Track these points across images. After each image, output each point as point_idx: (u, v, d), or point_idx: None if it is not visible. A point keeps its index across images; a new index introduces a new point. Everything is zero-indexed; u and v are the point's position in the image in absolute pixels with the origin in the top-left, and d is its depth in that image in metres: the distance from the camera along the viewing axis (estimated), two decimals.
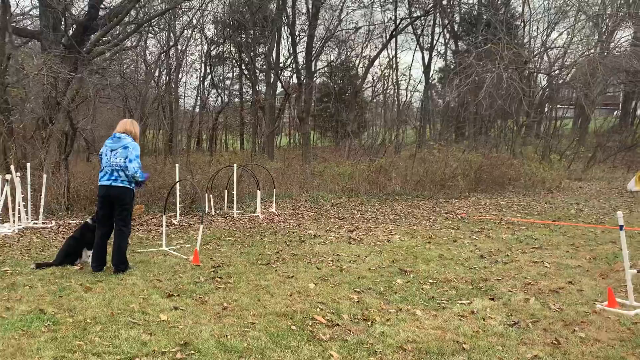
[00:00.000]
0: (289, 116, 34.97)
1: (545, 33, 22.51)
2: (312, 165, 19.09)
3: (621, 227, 5.11)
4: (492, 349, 3.96)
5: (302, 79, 24.11)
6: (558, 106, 24.16)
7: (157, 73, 25.05)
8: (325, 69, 30.50)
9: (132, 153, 5.94)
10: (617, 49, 20.21)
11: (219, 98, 32.51)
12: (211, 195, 11.65)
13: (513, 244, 8.04)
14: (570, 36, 19.47)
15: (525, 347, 3.99)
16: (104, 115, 23.17)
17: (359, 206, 12.66)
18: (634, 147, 21.97)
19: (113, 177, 6.00)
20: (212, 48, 29.22)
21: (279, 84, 27.02)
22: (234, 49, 30.37)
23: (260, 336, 4.18)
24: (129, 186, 6.05)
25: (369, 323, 4.52)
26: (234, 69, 32.64)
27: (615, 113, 32.07)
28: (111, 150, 6.03)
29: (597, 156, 20.71)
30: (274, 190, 12.53)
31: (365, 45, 29.52)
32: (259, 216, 10.91)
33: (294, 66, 25.36)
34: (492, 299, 5.20)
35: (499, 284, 5.78)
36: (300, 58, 24.92)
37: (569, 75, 19.56)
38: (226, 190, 12.09)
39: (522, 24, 21.92)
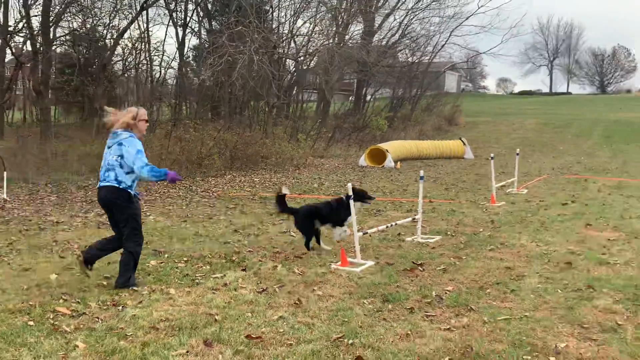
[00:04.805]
0: (24, 88, 30.57)
1: (292, 20, 24.12)
2: (54, 144, 17.13)
3: (349, 197, 5.91)
4: (243, 316, 4.21)
5: (38, 46, 21.23)
6: (304, 90, 26.29)
7: None
8: (68, 37, 27.40)
9: (131, 152, 4.87)
10: (350, 41, 22.88)
11: None
12: None
13: (265, 217, 8.58)
14: (312, 25, 21.27)
15: (272, 310, 4.35)
16: None
17: None
18: (364, 128, 25.28)
19: (102, 178, 5.01)
20: None
21: (8, 51, 23.28)
22: None
23: None
24: (118, 186, 4.93)
25: (120, 308, 4.36)
26: None
27: (350, 98, 36.38)
28: (108, 148, 5.06)
29: (335, 136, 23.25)
30: (4, 173, 10.89)
31: (113, 15, 27.43)
32: None
33: (27, 31, 22.15)
34: (244, 270, 5.50)
35: (251, 255, 6.14)
36: (36, 22, 21.91)
37: (313, 62, 21.44)
38: None
39: (271, 9, 23.10)
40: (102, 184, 5.01)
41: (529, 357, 3.52)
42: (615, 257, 5.98)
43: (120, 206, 4.99)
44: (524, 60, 79.72)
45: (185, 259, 5.97)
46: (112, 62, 28.37)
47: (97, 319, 4.09)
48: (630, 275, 5.30)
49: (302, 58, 21.21)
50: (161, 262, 5.80)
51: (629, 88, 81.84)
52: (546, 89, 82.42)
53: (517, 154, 11.90)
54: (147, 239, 6.93)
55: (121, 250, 5.10)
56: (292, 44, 22.61)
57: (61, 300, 4.50)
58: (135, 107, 5.21)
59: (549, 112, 38.47)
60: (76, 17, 26.72)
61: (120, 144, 4.96)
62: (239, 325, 4.01)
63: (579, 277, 5.23)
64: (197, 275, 5.34)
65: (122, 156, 4.91)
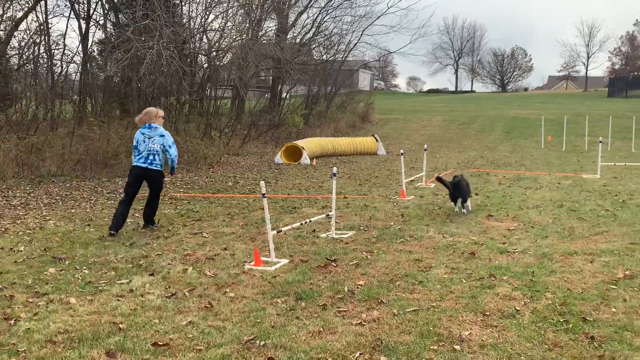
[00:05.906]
0: None
1: (203, 15, 23.53)
2: None
3: (263, 195, 5.84)
4: (149, 323, 4.03)
5: None
6: (218, 86, 25.75)
7: None
8: None
9: (168, 140, 7.06)
10: (264, 37, 22.69)
11: None
12: None
13: (175, 218, 8.30)
14: (224, 21, 20.85)
15: (181, 316, 4.20)
16: None
17: (4, 191, 10.98)
18: (280, 126, 25.23)
19: (149, 161, 6.99)
20: None
21: None
22: None
23: None
24: (161, 169, 7.15)
25: (12, 322, 4.02)
26: None
27: (266, 95, 36.17)
28: (149, 138, 6.99)
29: (251, 133, 23.02)
30: None
31: (7, 5, 25.35)
32: None
33: None
34: (152, 274, 5.27)
35: (160, 258, 5.90)
36: None
37: (226, 58, 21.01)
38: None
39: (181, 3, 22.40)
40: (150, 166, 7.00)
41: (435, 347, 3.64)
42: (514, 245, 6.37)
43: (160, 182, 7.26)
44: (431, 59, 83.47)
45: (88, 264, 5.63)
46: (7, 56, 26.25)
47: None
48: (528, 262, 5.66)
49: (214, 54, 20.74)
50: (61, 270, 5.42)
51: (526, 86, 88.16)
52: (452, 88, 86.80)
53: (425, 150, 12.37)
54: (46, 245, 6.50)
55: None
56: (205, 40, 22.06)
57: None
58: (154, 108, 7.26)
59: (454, 109, 40.45)
60: None
61: (162, 136, 7.00)
62: (145, 333, 3.83)
63: (482, 266, 5.51)
64: (100, 282, 5.04)
65: (163, 144, 6.99)
